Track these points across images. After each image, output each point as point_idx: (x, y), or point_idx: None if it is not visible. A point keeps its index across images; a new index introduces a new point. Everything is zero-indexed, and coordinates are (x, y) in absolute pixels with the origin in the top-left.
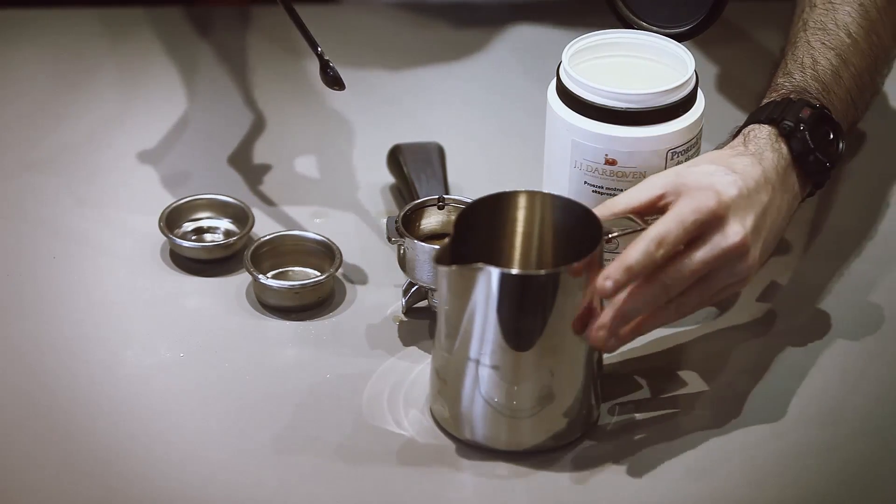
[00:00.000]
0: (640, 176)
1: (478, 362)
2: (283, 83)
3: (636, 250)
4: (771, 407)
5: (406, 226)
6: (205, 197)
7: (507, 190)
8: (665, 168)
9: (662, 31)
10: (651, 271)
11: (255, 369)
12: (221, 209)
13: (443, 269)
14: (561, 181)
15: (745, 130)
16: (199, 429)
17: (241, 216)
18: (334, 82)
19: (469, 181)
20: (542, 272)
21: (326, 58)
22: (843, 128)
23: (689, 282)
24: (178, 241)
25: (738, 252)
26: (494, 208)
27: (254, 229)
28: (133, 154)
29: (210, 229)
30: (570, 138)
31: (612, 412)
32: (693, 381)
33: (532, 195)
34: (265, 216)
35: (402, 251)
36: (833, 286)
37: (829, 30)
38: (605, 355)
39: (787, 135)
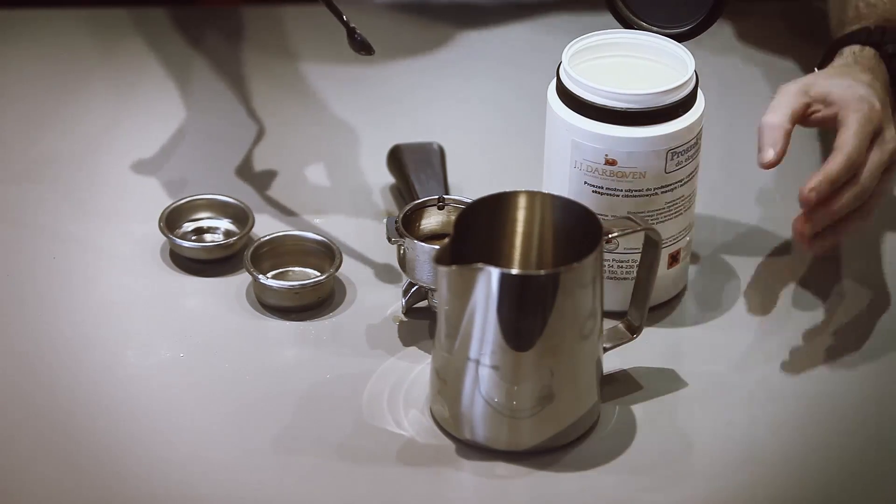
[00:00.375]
0: (640, 176)
1: (478, 362)
2: (283, 83)
3: (838, 165)
4: (772, 406)
5: (406, 226)
6: (205, 197)
7: (507, 190)
8: (665, 169)
9: (662, 31)
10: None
11: (255, 369)
12: (221, 209)
13: (443, 269)
14: (561, 181)
15: (851, 50)
16: (199, 429)
17: (241, 216)
18: (362, 47)
19: (469, 181)
20: (542, 272)
21: (353, 25)
22: None
23: (875, 183)
24: (178, 241)
25: (894, 156)
26: (494, 208)
27: (254, 229)
28: (133, 154)
29: (210, 229)
30: (570, 138)
31: (612, 412)
32: (693, 381)
33: (532, 195)
34: (265, 216)
35: (402, 251)
36: (833, 286)
37: None
38: (604, 356)
39: (888, 57)
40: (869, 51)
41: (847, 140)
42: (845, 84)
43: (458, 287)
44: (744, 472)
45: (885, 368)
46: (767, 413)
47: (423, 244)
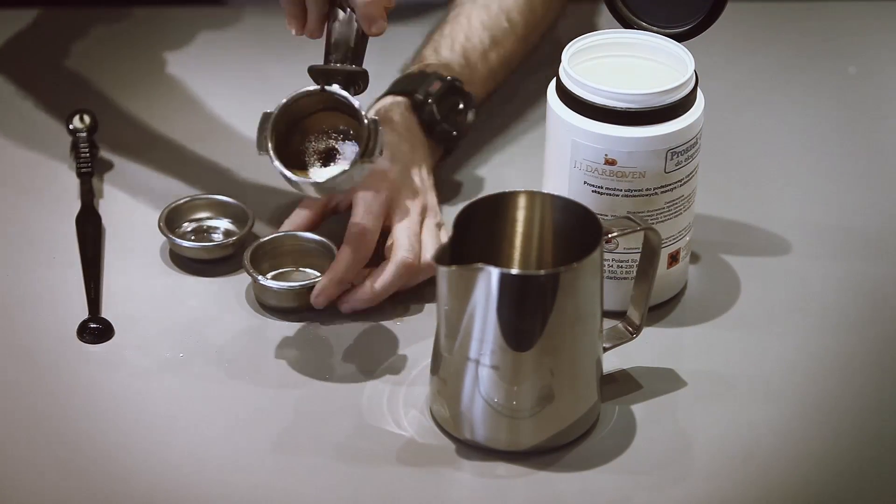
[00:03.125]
0: (639, 176)
1: (478, 362)
2: (284, 83)
3: (342, 265)
4: (772, 406)
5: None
6: (205, 197)
7: (507, 190)
8: (664, 169)
9: (662, 31)
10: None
11: (255, 369)
12: (221, 209)
13: (443, 269)
14: (561, 181)
15: (384, 103)
16: (199, 429)
17: (241, 216)
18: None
19: (469, 181)
20: (542, 272)
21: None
22: (477, 99)
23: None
24: (178, 241)
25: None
26: (494, 208)
27: (254, 229)
28: (132, 153)
29: (210, 229)
30: (570, 138)
31: (612, 412)
32: (693, 381)
33: (532, 195)
34: (265, 216)
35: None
36: (834, 286)
37: (492, 12)
38: (604, 356)
39: (417, 107)
40: (400, 102)
41: (351, 232)
42: None
43: (458, 287)
44: (744, 472)
45: (885, 368)
46: (767, 413)
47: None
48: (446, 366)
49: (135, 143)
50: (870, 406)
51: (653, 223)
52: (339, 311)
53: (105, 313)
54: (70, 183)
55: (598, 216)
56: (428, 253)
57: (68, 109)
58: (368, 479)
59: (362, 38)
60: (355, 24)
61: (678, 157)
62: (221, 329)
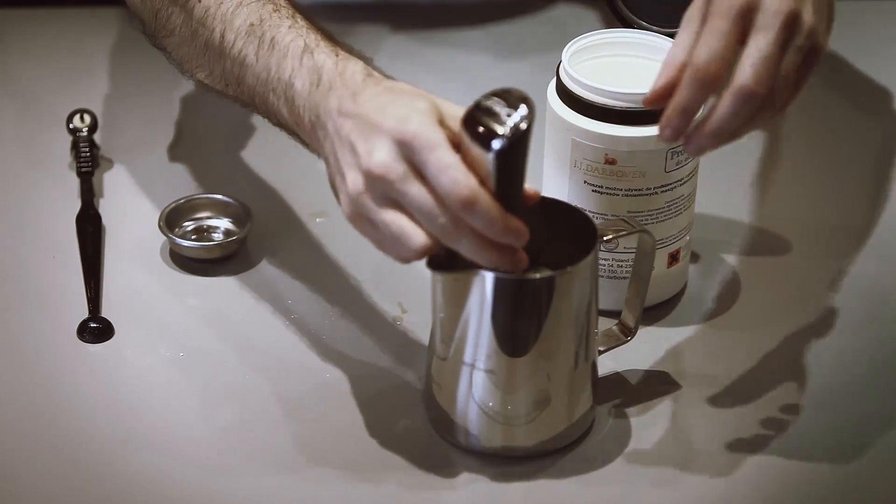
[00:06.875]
0: (639, 175)
1: (472, 367)
2: None
3: (685, 87)
4: (771, 407)
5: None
6: (204, 197)
7: None
8: (665, 168)
9: (662, 30)
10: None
11: (254, 370)
12: (221, 209)
13: (437, 275)
14: (561, 180)
15: None
16: (198, 429)
17: (240, 216)
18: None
19: None
20: (537, 276)
21: None
22: None
23: (766, 78)
24: (179, 240)
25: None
26: None
27: (254, 229)
28: (132, 153)
29: (210, 229)
30: (570, 138)
31: (609, 415)
32: (691, 382)
33: None
34: (265, 216)
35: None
36: (833, 285)
37: None
38: (600, 358)
39: None
40: None
41: (700, 42)
42: None
43: (453, 292)
44: (742, 473)
45: (886, 367)
46: (766, 414)
47: None
48: (441, 370)
49: (135, 143)
50: (870, 406)
51: (653, 223)
52: (335, 308)
53: (105, 313)
54: (70, 183)
55: (594, 216)
56: (787, 87)
57: (68, 109)
58: (363, 482)
59: None
60: None
61: (678, 156)
62: (221, 329)
